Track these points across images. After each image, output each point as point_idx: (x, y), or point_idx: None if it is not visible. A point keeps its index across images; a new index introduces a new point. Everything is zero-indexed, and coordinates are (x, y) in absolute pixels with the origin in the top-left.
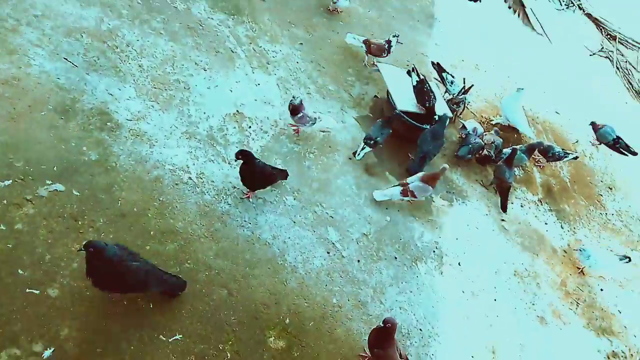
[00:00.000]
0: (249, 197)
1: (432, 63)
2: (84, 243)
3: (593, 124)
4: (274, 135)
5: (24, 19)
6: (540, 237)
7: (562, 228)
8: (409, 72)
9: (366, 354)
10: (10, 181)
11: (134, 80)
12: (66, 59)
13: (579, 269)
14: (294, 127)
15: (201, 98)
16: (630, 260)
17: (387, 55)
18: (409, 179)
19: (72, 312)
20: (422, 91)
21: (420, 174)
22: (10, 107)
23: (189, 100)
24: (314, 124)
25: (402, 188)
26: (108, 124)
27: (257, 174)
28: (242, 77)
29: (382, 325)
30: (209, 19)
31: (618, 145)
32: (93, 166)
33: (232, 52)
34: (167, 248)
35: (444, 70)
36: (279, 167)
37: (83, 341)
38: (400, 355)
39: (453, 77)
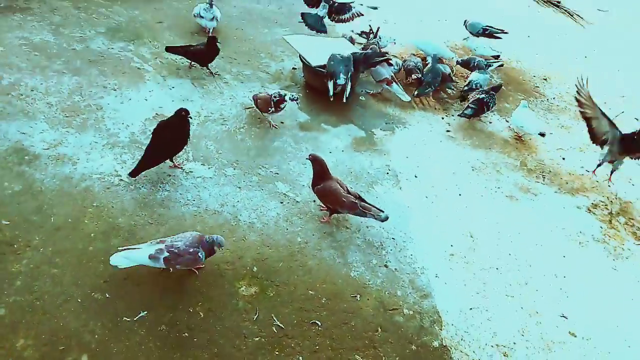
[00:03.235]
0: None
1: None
2: None
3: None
4: (200, 123)
5: None
6: (488, 134)
7: (508, 121)
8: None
9: (324, 217)
10: None
11: (44, 116)
12: None
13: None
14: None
15: (116, 113)
16: (543, 135)
17: (275, 112)
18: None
19: (24, 323)
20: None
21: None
22: None
23: (104, 117)
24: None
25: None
26: (26, 157)
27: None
28: (154, 87)
29: (308, 159)
30: (110, 50)
31: (488, 32)
32: (18, 196)
33: (139, 69)
34: (112, 243)
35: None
36: (211, 148)
37: (42, 345)
38: (349, 191)
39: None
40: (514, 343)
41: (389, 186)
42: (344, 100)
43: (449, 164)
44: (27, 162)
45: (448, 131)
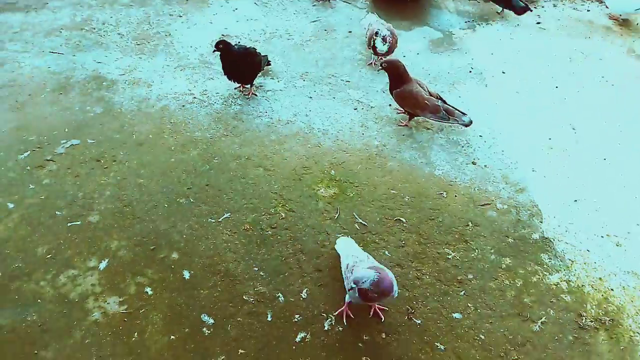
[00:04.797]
0: (250, 93)
1: None
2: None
3: None
4: (265, 39)
5: (5, 38)
6: (587, 22)
7: (609, 7)
8: None
9: (402, 121)
10: (28, 152)
11: (116, 45)
12: (52, 52)
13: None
14: None
15: (184, 37)
16: None
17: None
18: None
19: (117, 227)
20: None
21: None
22: (13, 101)
23: (172, 43)
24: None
25: None
26: (104, 83)
27: (240, 60)
28: (218, 10)
29: (380, 67)
30: None
31: None
32: (100, 117)
33: None
34: (192, 154)
35: None
36: (278, 62)
37: (135, 245)
38: (430, 93)
39: None
40: (628, 232)
41: (472, 85)
42: None
43: (542, 56)
44: (106, 87)
45: (538, 23)
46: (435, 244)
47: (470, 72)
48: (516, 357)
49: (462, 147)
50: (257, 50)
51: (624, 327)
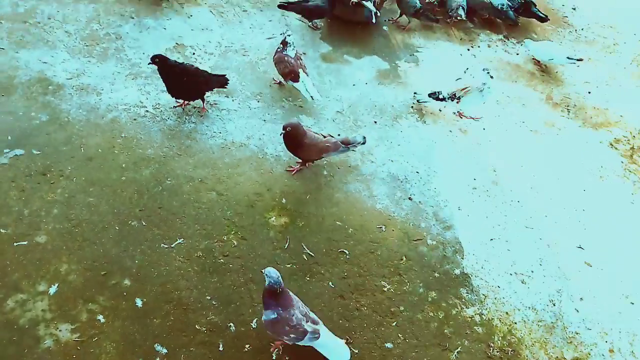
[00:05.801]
0: (182, 105)
1: None
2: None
3: None
4: (221, 53)
5: None
6: (514, 66)
7: (528, 51)
8: None
9: (292, 167)
10: None
11: (64, 45)
12: None
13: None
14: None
15: (136, 42)
16: (581, 60)
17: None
18: None
19: (66, 249)
20: None
21: None
22: None
23: (124, 47)
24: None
25: None
26: (50, 87)
27: (177, 76)
28: (172, 15)
29: (284, 132)
30: None
31: None
32: (46, 126)
33: None
34: (144, 173)
35: None
36: (233, 80)
37: (85, 270)
38: (324, 135)
39: None
40: (532, 271)
41: (413, 120)
42: (373, 22)
43: None
44: (52, 92)
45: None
46: (374, 277)
47: (412, 107)
48: None
49: (401, 182)
50: (200, 69)
51: (522, 356)
